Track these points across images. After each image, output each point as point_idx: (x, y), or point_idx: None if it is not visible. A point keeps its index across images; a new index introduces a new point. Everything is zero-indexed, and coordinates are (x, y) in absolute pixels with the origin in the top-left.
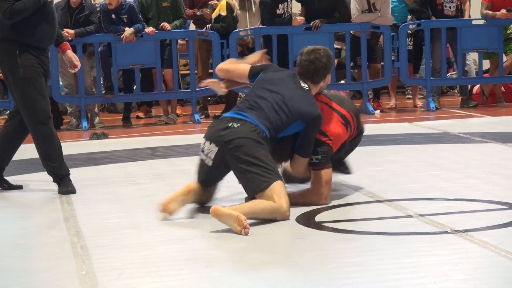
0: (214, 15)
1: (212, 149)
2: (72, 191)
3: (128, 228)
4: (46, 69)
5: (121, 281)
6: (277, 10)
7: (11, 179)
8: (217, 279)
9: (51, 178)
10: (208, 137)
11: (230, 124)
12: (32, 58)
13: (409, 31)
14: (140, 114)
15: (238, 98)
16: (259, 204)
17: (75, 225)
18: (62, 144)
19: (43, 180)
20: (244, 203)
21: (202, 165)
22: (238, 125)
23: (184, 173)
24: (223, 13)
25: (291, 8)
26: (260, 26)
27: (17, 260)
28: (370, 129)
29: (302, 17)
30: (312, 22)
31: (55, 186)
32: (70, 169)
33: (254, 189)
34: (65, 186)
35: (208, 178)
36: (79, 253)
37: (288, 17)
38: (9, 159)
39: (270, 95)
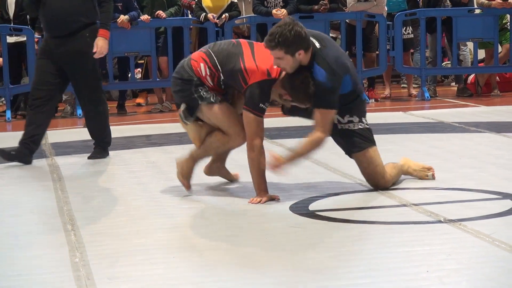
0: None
1: None
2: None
3: (122, 216)
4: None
5: (114, 269)
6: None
7: (5, 165)
8: (210, 268)
9: (46, 165)
10: None
11: None
12: (43, 44)
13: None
14: (141, 102)
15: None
16: None
17: (69, 212)
18: (56, 131)
19: (37, 167)
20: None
21: None
22: None
23: None
24: (235, 0)
25: None
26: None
27: (10, 248)
28: None
29: (282, 10)
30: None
31: (49, 173)
32: (64, 157)
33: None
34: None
35: None
36: (73, 241)
37: (278, 7)
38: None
39: None
